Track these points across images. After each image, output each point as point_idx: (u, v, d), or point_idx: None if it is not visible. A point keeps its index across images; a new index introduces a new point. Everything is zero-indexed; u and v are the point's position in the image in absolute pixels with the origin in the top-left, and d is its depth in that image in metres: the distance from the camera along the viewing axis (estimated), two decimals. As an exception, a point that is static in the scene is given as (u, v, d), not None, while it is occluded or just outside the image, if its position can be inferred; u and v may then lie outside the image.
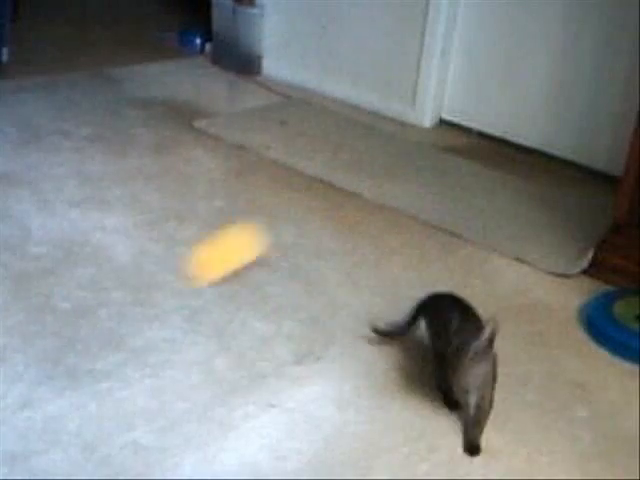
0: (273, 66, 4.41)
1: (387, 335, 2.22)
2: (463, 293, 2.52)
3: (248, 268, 2.52)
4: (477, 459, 1.87)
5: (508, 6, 3.61)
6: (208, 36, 4.66)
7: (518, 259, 2.74)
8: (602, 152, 3.43)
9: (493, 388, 1.84)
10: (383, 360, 2.18)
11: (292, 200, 3.04)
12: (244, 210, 2.94)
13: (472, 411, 1.84)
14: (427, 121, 3.94)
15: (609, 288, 2.57)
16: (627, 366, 2.24)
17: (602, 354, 2.29)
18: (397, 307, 2.41)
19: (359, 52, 4.06)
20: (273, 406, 1.97)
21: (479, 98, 3.82)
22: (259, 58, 4.45)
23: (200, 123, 3.67)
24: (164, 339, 2.19)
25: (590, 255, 2.69)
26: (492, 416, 1.98)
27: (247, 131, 3.66)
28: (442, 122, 3.97)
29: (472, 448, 1.87)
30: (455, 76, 3.88)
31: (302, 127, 3.76)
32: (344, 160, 3.43)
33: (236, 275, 2.43)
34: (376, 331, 2.23)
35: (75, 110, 3.68)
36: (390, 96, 4.00)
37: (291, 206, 3.00)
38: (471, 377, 1.77)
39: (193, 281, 2.34)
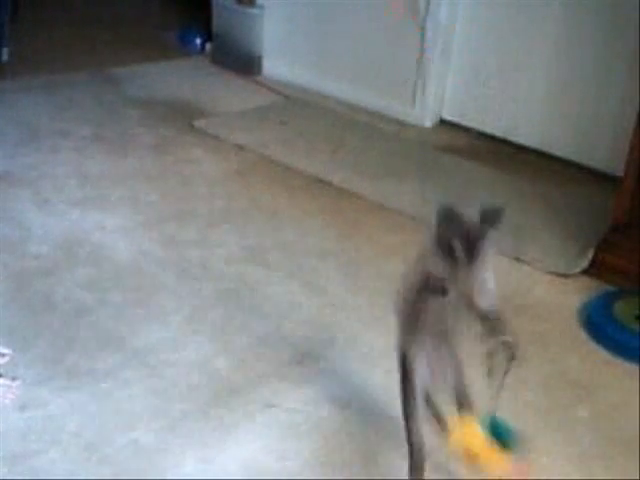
0: (273, 66, 4.41)
1: None
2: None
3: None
4: (477, 459, 1.86)
5: (508, 6, 3.61)
6: (208, 36, 4.67)
7: (518, 259, 2.73)
8: (602, 152, 3.43)
9: None
10: (383, 360, 2.18)
11: (292, 200, 3.04)
12: (244, 210, 2.95)
13: None
14: (427, 121, 3.94)
15: (609, 288, 2.57)
16: (627, 366, 2.24)
17: (602, 354, 2.29)
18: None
19: (359, 52, 4.06)
20: (273, 406, 1.97)
21: (479, 98, 3.82)
22: (259, 58, 4.44)
23: (200, 123, 3.68)
24: (164, 339, 2.19)
25: (590, 255, 2.69)
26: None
27: (247, 131, 3.66)
28: (442, 122, 3.97)
29: None
30: (455, 76, 3.88)
31: (302, 127, 3.76)
32: (344, 160, 3.43)
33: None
34: None
35: (75, 110, 3.68)
36: (390, 96, 4.00)
37: (291, 206, 3.00)
38: None
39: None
